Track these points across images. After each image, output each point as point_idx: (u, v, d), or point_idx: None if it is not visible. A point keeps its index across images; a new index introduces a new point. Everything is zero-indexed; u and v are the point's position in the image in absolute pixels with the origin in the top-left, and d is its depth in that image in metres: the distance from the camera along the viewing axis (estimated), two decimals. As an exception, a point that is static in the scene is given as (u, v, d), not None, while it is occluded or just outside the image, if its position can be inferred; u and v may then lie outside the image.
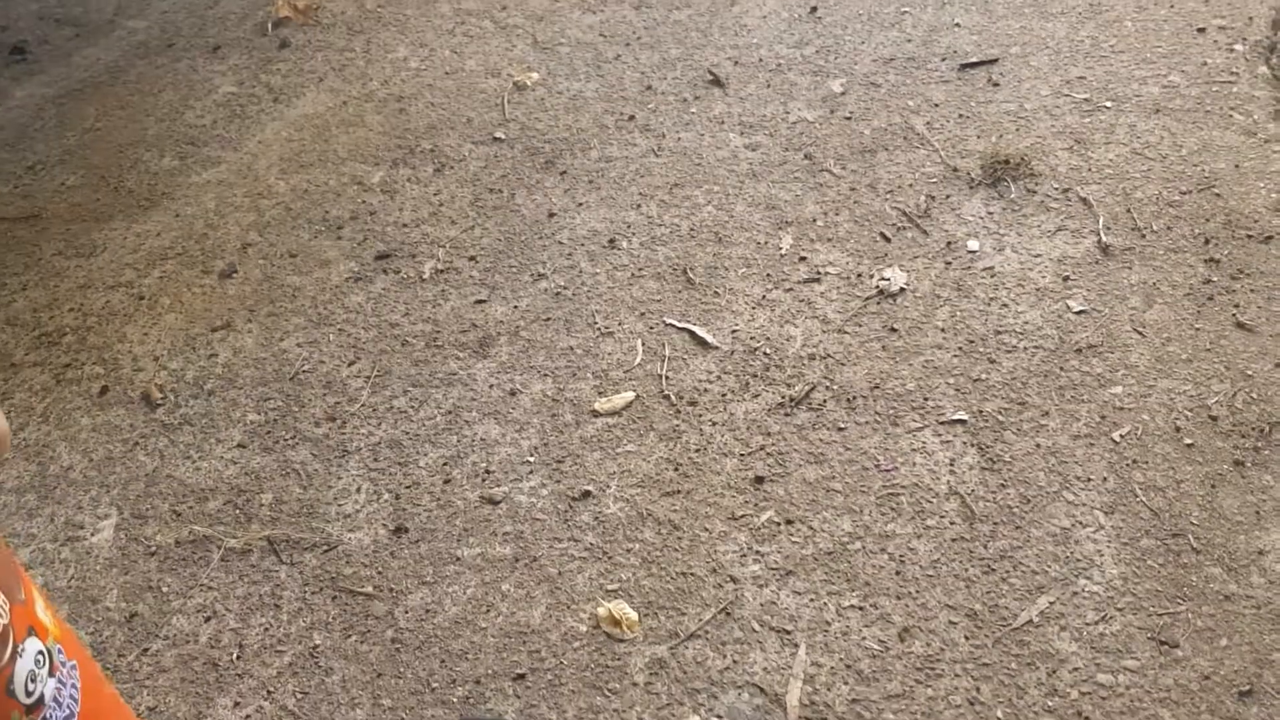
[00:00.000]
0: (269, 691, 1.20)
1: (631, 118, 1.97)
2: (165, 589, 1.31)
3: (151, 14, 2.52)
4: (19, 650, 0.87)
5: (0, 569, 0.84)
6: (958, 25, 2.10)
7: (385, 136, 2.01)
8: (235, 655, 1.23)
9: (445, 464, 1.41)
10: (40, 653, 0.90)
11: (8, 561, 0.85)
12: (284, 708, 1.18)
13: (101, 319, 1.69)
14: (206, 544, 1.35)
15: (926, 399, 1.40)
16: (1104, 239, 1.58)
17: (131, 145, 2.08)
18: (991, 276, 1.56)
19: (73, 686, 0.93)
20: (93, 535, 1.37)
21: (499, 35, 2.26)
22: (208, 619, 1.27)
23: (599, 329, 1.57)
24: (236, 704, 1.19)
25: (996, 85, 1.92)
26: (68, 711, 0.91)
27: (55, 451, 1.48)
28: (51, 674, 0.91)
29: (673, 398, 1.45)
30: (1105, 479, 1.28)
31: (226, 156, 2.01)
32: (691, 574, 1.25)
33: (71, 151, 2.09)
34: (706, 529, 1.29)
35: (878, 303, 1.55)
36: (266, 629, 1.25)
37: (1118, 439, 1.32)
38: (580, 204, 1.80)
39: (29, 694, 0.88)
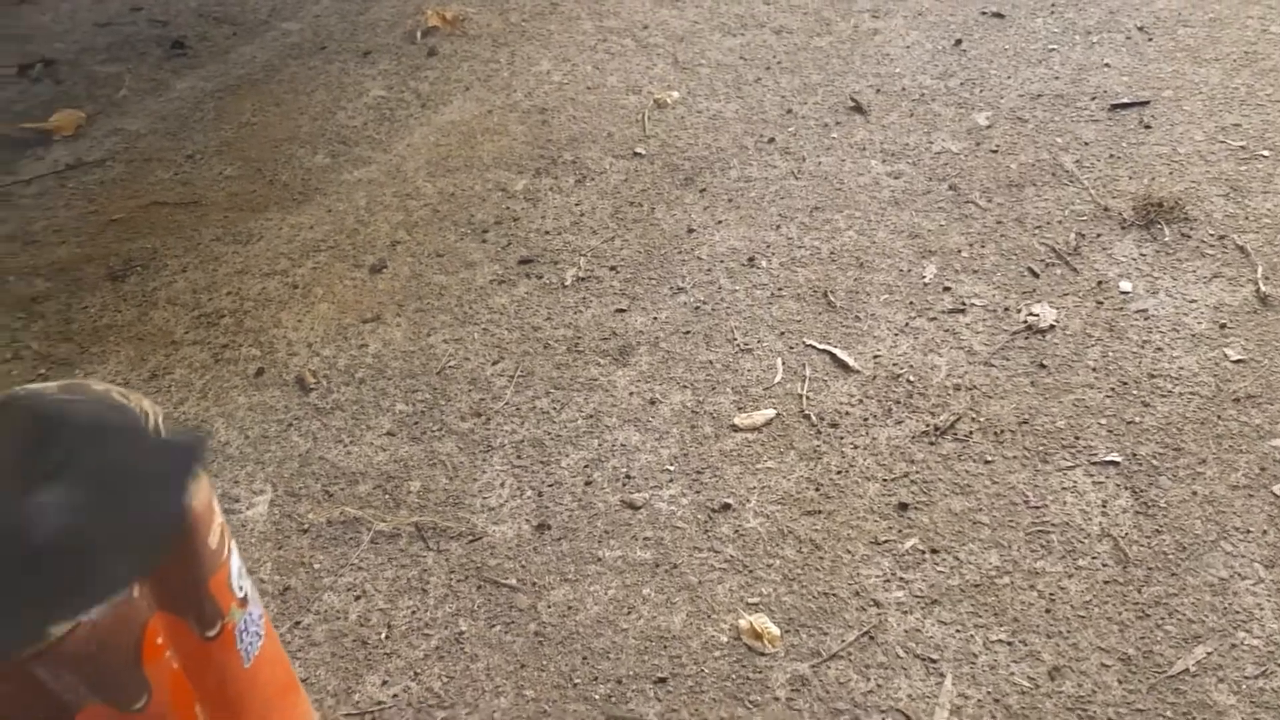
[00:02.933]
0: (416, 673, 1.23)
1: (771, 140, 1.99)
2: (317, 566, 1.35)
3: (305, 17, 2.62)
4: (231, 549, 0.94)
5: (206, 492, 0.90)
6: (1107, 65, 2.08)
7: (528, 146, 2.06)
8: (384, 635, 1.26)
9: (586, 466, 1.43)
10: (240, 557, 0.96)
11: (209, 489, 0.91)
12: (430, 690, 1.21)
13: (258, 304, 1.75)
14: (357, 525, 1.39)
15: (1078, 438, 1.39)
16: (1262, 289, 1.55)
17: (286, 141, 2.16)
18: (1145, 319, 1.54)
19: (258, 606, 0.98)
20: (248, 509, 1.42)
21: (640, 54, 2.30)
22: (357, 598, 1.31)
23: (738, 345, 1.58)
24: (384, 682, 1.22)
25: (1148, 128, 1.90)
26: (258, 626, 0.96)
27: (213, 427, 1.54)
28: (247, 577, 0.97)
29: (813, 418, 1.46)
30: (1265, 532, 1.25)
31: (376, 157, 2.08)
32: (834, 594, 1.25)
33: (229, 143, 2.17)
34: (849, 551, 1.29)
35: (1025, 338, 1.53)
36: (414, 612, 1.28)
37: (1279, 492, 1.29)
38: (720, 221, 1.82)
39: (240, 589, 0.94)
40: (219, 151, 2.15)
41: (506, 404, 1.53)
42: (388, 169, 2.04)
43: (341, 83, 2.32)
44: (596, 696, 1.18)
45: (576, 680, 1.20)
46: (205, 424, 1.55)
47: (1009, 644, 1.18)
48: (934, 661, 1.17)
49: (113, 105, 2.34)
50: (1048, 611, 1.21)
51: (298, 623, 1.29)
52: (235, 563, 0.93)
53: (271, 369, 1.63)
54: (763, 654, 1.20)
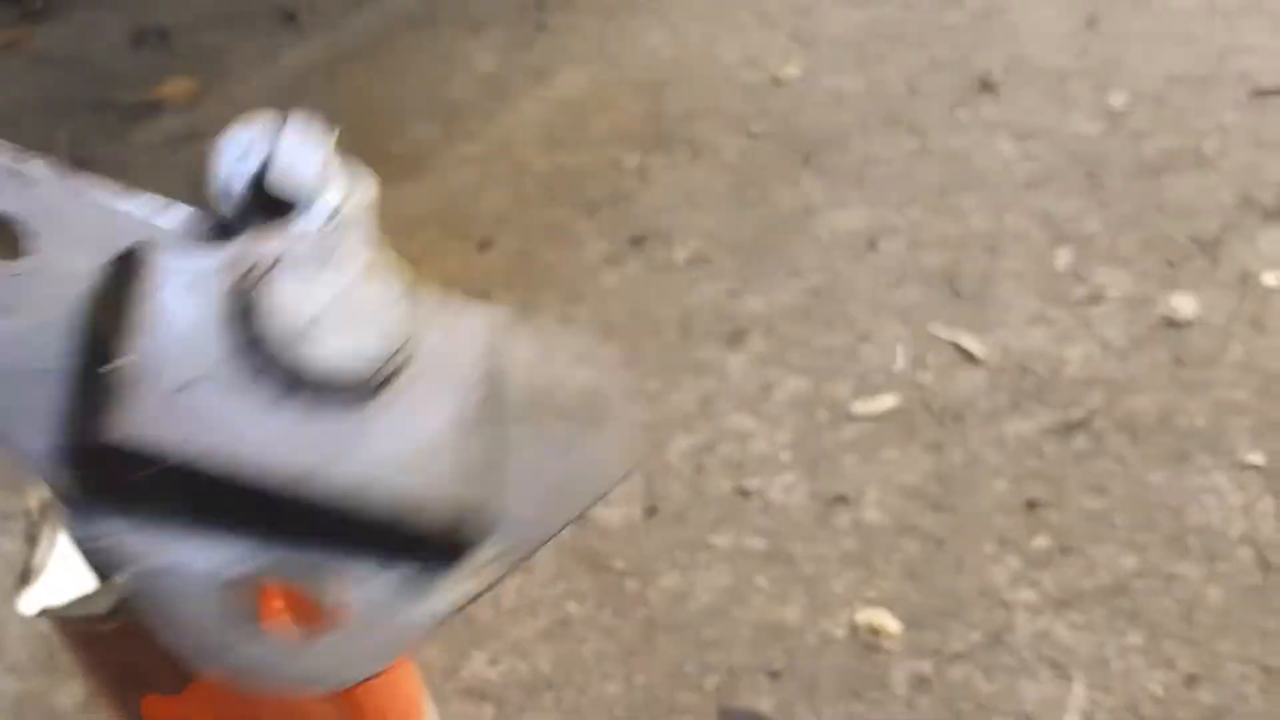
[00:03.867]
0: (524, 653, 1.21)
1: (896, 118, 1.92)
2: (424, 541, 1.34)
3: (416, -11, 2.62)
4: None
5: None
6: (1251, 49, 1.96)
7: (641, 121, 2.02)
8: (491, 614, 1.25)
9: (697, 451, 1.40)
10: None
11: None
12: (537, 670, 1.19)
13: (367, 275, 1.75)
14: (464, 502, 1.38)
15: (1219, 438, 1.31)
16: None
17: (395, 113, 2.15)
18: (1294, 315, 1.44)
19: None
20: (358, 481, 1.42)
21: (757, 26, 2.24)
22: (464, 575, 1.29)
23: (858, 331, 1.53)
24: (492, 661, 1.21)
25: (1297, 112, 1.79)
26: None
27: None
28: None
29: (936, 409, 1.40)
30: None
31: (486, 131, 2.06)
32: (958, 593, 1.20)
33: (338, 115, 2.16)
34: (974, 549, 1.24)
35: (1165, 330, 1.45)
36: (521, 591, 1.27)
37: None
38: (839, 202, 1.76)
39: None
40: (330, 120, 2.15)
41: (616, 383, 1.50)
42: (497, 143, 2.02)
43: (450, 55, 2.32)
44: (708, 687, 1.15)
45: (687, 669, 1.17)
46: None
47: (1144, 650, 1.12)
48: (1063, 665, 1.11)
49: (225, 75, 2.36)
50: (1185, 618, 1.14)
51: (406, 596, 1.28)
52: None
53: (381, 340, 1.63)
54: (882, 650, 1.15)
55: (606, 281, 1.68)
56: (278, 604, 0.83)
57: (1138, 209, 1.65)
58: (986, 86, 1.95)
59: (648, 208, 1.81)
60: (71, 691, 1.26)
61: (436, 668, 1.21)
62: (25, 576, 0.78)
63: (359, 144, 1.86)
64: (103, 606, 0.75)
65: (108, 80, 2.42)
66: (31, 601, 0.77)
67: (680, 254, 1.71)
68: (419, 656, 1.18)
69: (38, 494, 0.85)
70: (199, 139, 2.16)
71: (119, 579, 0.76)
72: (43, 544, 0.81)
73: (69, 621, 0.76)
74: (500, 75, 2.23)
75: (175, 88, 2.32)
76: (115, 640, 0.77)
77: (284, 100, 2.14)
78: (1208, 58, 1.95)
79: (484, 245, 1.78)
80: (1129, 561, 1.20)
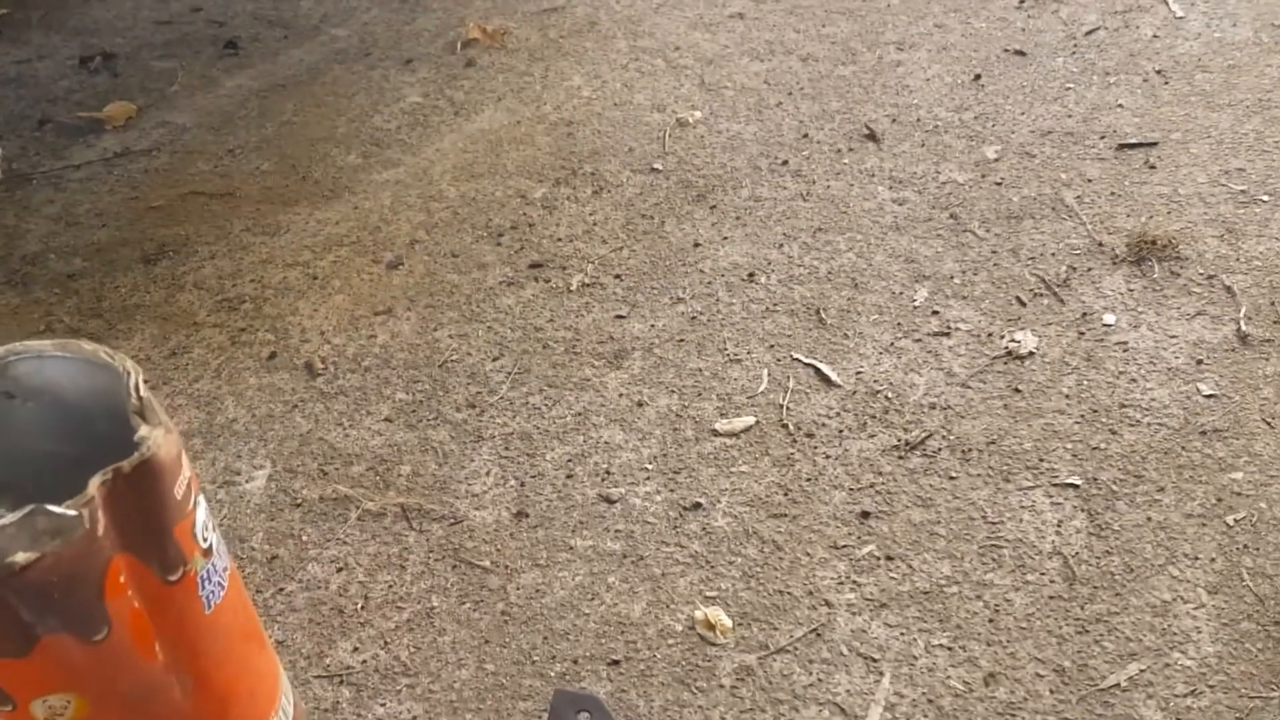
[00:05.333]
0: (386, 642, 1.30)
1: (785, 162, 2.05)
2: (305, 538, 1.43)
3: (354, 24, 2.73)
4: (197, 501, 1.02)
5: (175, 444, 0.97)
6: (1120, 106, 2.11)
7: (551, 156, 2.14)
8: (360, 606, 1.34)
9: (569, 460, 1.50)
10: (207, 511, 1.04)
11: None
12: (397, 658, 1.28)
13: (278, 292, 1.85)
14: (346, 503, 1.47)
15: (1042, 460, 1.43)
16: (1244, 328, 1.58)
17: (322, 140, 2.26)
18: (1124, 351, 1.57)
19: (224, 559, 1.06)
20: (247, 482, 1.51)
21: (669, 74, 2.37)
22: (339, 570, 1.39)
23: (728, 355, 1.64)
24: (355, 649, 1.30)
25: (1153, 168, 1.93)
26: (221, 577, 1.04)
27: (223, 404, 1.63)
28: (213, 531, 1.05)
29: (791, 428, 1.51)
30: (1214, 560, 1.28)
31: (406, 160, 2.17)
32: (788, 593, 1.30)
33: (268, 140, 2.28)
34: (808, 554, 1.35)
35: (1005, 363, 1.58)
36: (390, 586, 1.36)
37: (1231, 523, 1.32)
38: (725, 238, 1.88)
39: (205, 540, 1.02)
40: (258, 147, 2.26)
41: (501, 398, 1.61)
42: (415, 171, 2.13)
43: (381, 88, 2.43)
44: (552, 674, 1.25)
45: (535, 658, 1.27)
46: (215, 401, 1.64)
47: (949, 649, 1.22)
48: (875, 660, 1.22)
49: (164, 99, 2.46)
50: (991, 621, 1.25)
51: (281, 589, 1.37)
52: (201, 515, 1.01)
53: (284, 353, 1.72)
54: (714, 644, 1.26)
55: (504, 303, 1.79)
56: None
57: (995, 251, 1.78)
58: (871, 136, 2.09)
59: (549, 237, 1.92)
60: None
61: (301, 654, 1.30)
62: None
63: (283, 168, 2.02)
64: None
65: (53, 100, 2.51)
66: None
67: (575, 280, 1.82)
68: (285, 640, 1.27)
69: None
70: (134, 157, 2.26)
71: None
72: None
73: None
74: (425, 108, 2.34)
75: (116, 110, 2.41)
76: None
77: (217, 124, 2.25)
78: (1079, 114, 2.10)
79: (393, 266, 1.89)
80: (945, 569, 1.31)
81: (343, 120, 2.33)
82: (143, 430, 0.95)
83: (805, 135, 2.12)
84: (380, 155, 2.20)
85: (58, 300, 1.86)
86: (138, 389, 0.98)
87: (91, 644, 0.92)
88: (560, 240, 1.91)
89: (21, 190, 2.19)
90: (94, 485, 0.90)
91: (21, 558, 0.85)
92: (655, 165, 2.08)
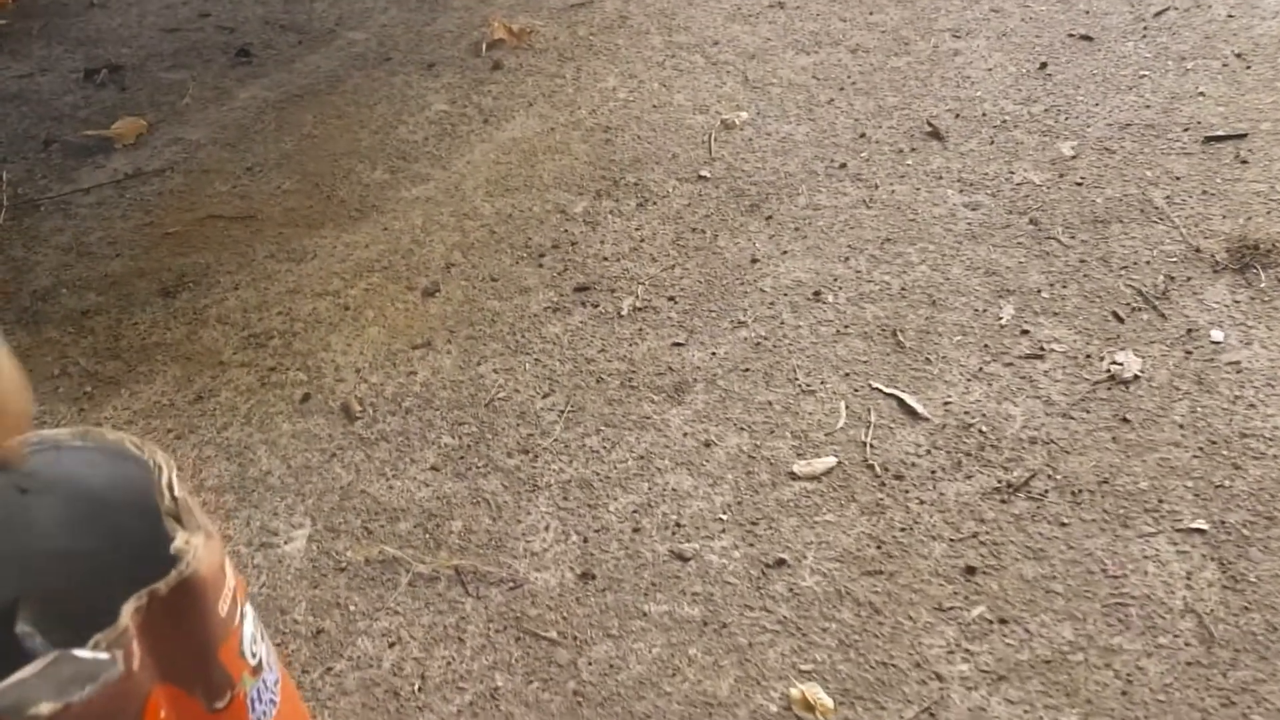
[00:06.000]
0: (448, 730, 1.17)
1: (843, 165, 1.91)
2: (352, 608, 1.30)
3: (371, 26, 2.59)
4: (244, 613, 0.89)
5: (217, 554, 0.85)
6: (1201, 94, 1.96)
7: (590, 166, 2.00)
8: (417, 687, 1.21)
9: (635, 511, 1.37)
10: (255, 620, 0.91)
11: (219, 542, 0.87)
12: (461, 749, 1.16)
13: (308, 325, 1.72)
14: (395, 566, 1.34)
15: (1161, 501, 1.29)
16: (1370, 343, 1.44)
17: (345, 155, 2.13)
18: (1237, 372, 1.43)
19: (273, 670, 0.93)
20: (286, 544, 1.39)
21: (709, 71, 2.23)
22: (392, 644, 1.26)
23: (800, 386, 1.51)
24: (415, 738, 1.17)
25: (1245, 162, 1.78)
26: (272, 694, 0.91)
27: (256, 454, 1.51)
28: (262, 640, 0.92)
29: (877, 468, 1.38)
30: (1370, 617, 1.14)
31: (435, 174, 2.04)
32: (893, 664, 1.17)
33: (288, 156, 2.15)
34: (911, 617, 1.21)
35: (1108, 388, 1.44)
36: (449, 663, 1.23)
37: (1386, 573, 1.18)
38: (785, 252, 1.74)
39: (254, 656, 0.88)
40: (278, 164, 2.13)
41: (555, 440, 1.48)
42: (446, 187, 2.00)
43: (404, 95, 2.29)
44: (636, 765, 1.12)
45: (615, 745, 1.14)
46: (247, 450, 1.51)
47: (1082, 731, 1.09)
48: (999, 747, 1.09)
49: (175, 114, 2.33)
50: (1124, 694, 1.12)
51: (330, 669, 1.24)
52: (249, 628, 0.88)
53: (318, 395, 1.59)
54: (814, 728, 1.13)
55: (550, 331, 1.65)
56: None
57: (1084, 261, 1.64)
58: (935, 133, 1.95)
59: (594, 256, 1.79)
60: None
61: (358, 744, 1.17)
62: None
63: (306, 187, 1.84)
64: None
65: (58, 118, 2.38)
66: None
67: (625, 303, 1.68)
68: (340, 733, 1.15)
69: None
70: (147, 178, 2.13)
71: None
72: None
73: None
74: (452, 116, 2.20)
75: (125, 127, 2.28)
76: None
77: (233, 140, 2.11)
78: (1157, 104, 1.95)
79: (429, 292, 1.75)
80: (1066, 632, 1.18)
81: (366, 132, 2.19)
82: (179, 540, 0.82)
83: (862, 135, 1.98)
84: (408, 170, 2.06)
85: (72, 340, 1.73)
86: (171, 487, 0.85)
87: (129, 794, 0.80)
88: (606, 259, 1.78)
89: (29, 218, 2.06)
90: (127, 614, 0.77)
91: (45, 709, 0.72)
92: (702, 173, 1.94)
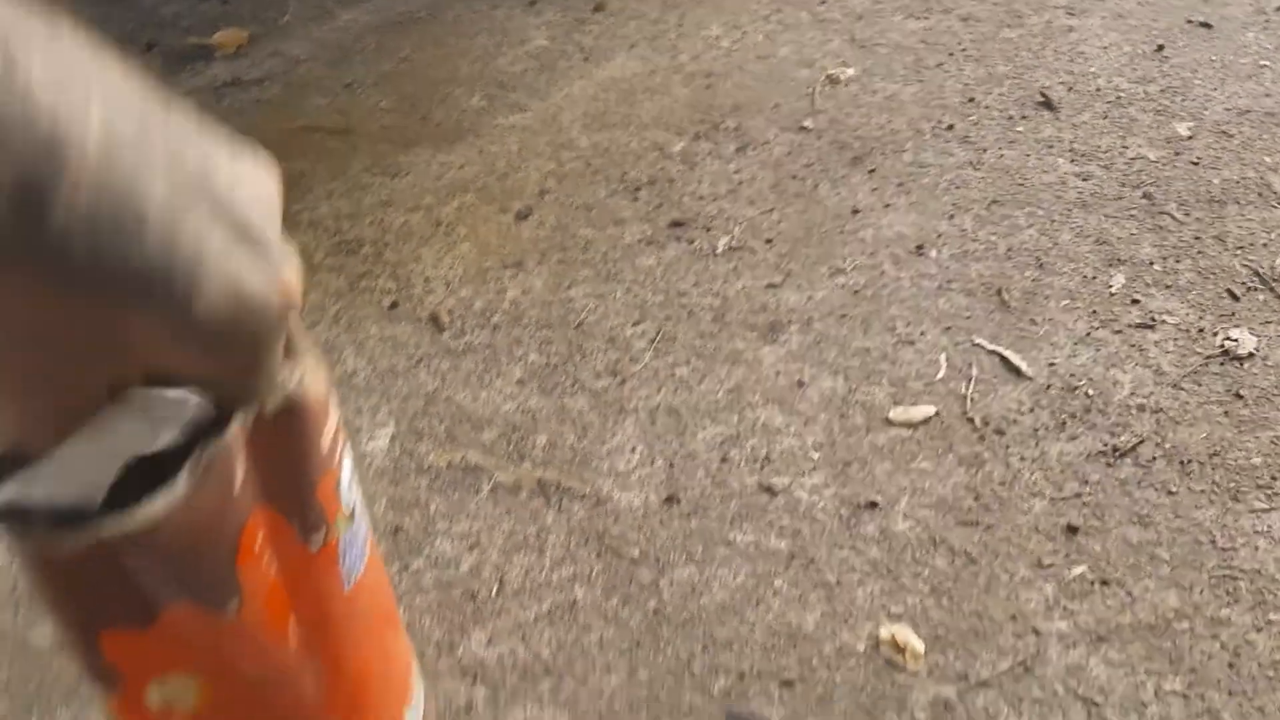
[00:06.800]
0: (524, 635, 1.15)
1: (951, 127, 1.86)
2: (432, 510, 1.29)
3: (473, -39, 2.57)
4: (343, 454, 0.86)
5: (324, 385, 0.82)
6: (1328, 86, 1.89)
7: (690, 109, 1.97)
8: (494, 591, 1.19)
9: (723, 442, 1.34)
10: (352, 466, 0.89)
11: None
12: (538, 656, 1.13)
13: (399, 237, 1.70)
14: (478, 473, 1.32)
15: (1275, 478, 1.24)
16: None
17: (443, 81, 2.11)
18: (1361, 359, 1.37)
19: (364, 525, 0.91)
20: (369, 441, 1.37)
21: (815, 27, 2.19)
22: (471, 548, 1.24)
23: (899, 336, 1.47)
24: (490, 641, 1.15)
25: (1373, 155, 1.72)
26: (362, 548, 0.89)
27: (343, 354, 1.49)
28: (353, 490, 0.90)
29: (977, 422, 1.34)
30: None
31: (533, 105, 2.01)
32: (988, 615, 1.13)
33: (386, 77, 2.14)
34: (1007, 570, 1.17)
35: (1221, 363, 1.38)
36: (528, 571, 1.21)
37: None
38: (888, 205, 1.70)
39: (349, 502, 0.86)
40: (376, 84, 2.11)
41: (644, 367, 1.45)
42: (543, 118, 1.97)
43: (505, 29, 2.27)
44: (715, 690, 1.09)
45: (695, 669, 1.11)
46: (335, 350, 1.50)
47: (1184, 696, 1.05)
48: (1097, 705, 1.05)
49: (276, 29, 2.33)
50: (1231, 666, 1.07)
51: (407, 565, 1.23)
52: (347, 471, 0.86)
53: (406, 303, 1.58)
54: (903, 670, 1.09)
55: (643, 263, 1.62)
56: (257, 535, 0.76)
57: (1198, 238, 1.58)
58: (1046, 103, 1.89)
59: (690, 195, 1.76)
60: (45, 632, 1.21)
61: (430, 641, 1.15)
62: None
63: (403, 107, 1.83)
64: (73, 535, 0.70)
65: (160, 24, 2.38)
66: (6, 519, 0.71)
67: (721, 242, 1.65)
68: (411, 624, 1.13)
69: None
70: (245, 87, 2.13)
71: (90, 508, 0.70)
72: (20, 477, 0.76)
73: (41, 542, 0.71)
74: (552, 52, 2.18)
75: (227, 37, 2.28)
76: (82, 567, 0.72)
77: (333, 58, 2.10)
78: (1278, 94, 1.88)
79: (521, 215, 1.73)
80: (1172, 599, 1.13)
81: (464, 61, 2.17)
82: (284, 368, 0.80)
83: (971, 99, 1.93)
84: (505, 99, 2.04)
85: (164, 233, 1.73)
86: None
87: (220, 617, 0.78)
88: (703, 199, 1.74)
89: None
90: (235, 424, 0.75)
91: (153, 510, 0.70)
92: (804, 124, 1.90)
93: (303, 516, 0.82)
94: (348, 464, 0.88)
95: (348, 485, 0.88)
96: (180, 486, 0.71)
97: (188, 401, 0.71)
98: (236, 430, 0.76)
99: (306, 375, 0.82)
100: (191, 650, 0.78)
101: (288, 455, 0.80)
